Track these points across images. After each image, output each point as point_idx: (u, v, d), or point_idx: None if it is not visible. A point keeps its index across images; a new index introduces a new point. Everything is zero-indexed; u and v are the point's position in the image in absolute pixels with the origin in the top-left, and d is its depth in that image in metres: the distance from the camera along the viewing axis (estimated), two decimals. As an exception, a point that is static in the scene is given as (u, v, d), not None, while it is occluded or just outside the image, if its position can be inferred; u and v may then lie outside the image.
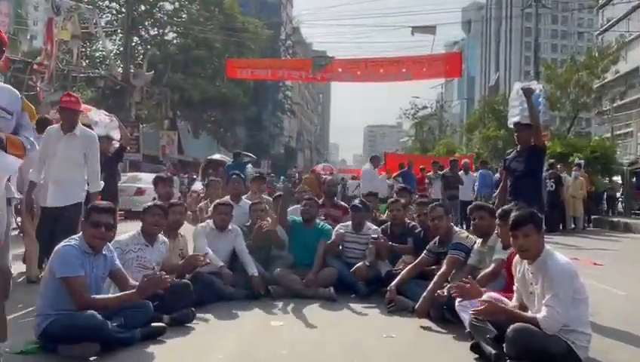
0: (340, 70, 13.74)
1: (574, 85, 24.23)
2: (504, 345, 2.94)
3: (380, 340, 3.70)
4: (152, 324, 3.54)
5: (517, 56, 74.79)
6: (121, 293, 3.42)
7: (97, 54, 27.37)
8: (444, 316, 3.99)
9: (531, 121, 4.79)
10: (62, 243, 3.31)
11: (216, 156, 16.98)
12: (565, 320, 2.89)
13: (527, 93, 4.77)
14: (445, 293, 3.67)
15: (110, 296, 3.37)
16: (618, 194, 16.11)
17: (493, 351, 3.07)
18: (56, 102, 15.23)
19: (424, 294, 4.07)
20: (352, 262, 5.23)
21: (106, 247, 3.51)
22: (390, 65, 13.59)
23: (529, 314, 3.02)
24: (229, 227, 5.13)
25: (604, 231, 12.47)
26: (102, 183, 4.84)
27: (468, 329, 3.37)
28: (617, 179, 16.39)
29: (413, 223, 5.47)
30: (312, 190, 8.76)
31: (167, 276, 3.49)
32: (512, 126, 5.21)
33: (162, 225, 4.29)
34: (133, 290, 3.37)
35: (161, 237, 4.30)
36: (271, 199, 6.53)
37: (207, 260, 4.51)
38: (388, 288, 4.50)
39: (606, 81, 27.13)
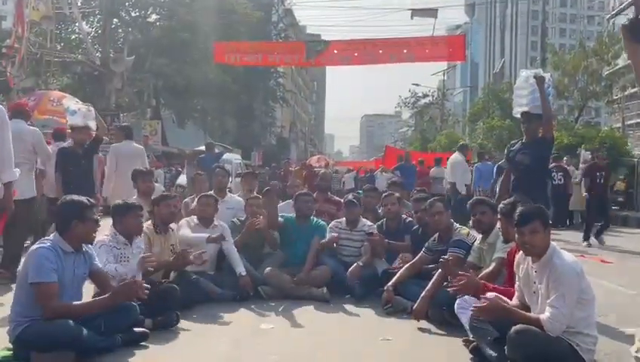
0: (335, 52, 13.62)
1: (583, 72, 24.32)
2: (505, 347, 2.96)
3: (376, 343, 3.72)
4: (135, 329, 3.54)
5: (523, 42, 74.86)
6: (93, 300, 3.42)
7: (73, 37, 27.05)
8: (443, 317, 4.02)
9: (543, 111, 4.80)
10: (35, 246, 3.29)
11: (204, 148, 16.90)
12: (570, 322, 2.91)
13: (540, 81, 4.77)
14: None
15: (80, 303, 3.35)
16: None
17: (494, 354, 3.10)
18: (28, 89, 15.13)
19: (422, 294, 4.09)
20: (346, 261, 5.25)
21: (86, 245, 3.52)
22: (390, 47, 13.50)
23: (532, 314, 3.04)
24: (215, 222, 5.12)
25: (613, 227, 12.54)
26: (17, 171, 4.09)
27: (468, 331, 3.40)
28: None
29: (410, 219, 5.48)
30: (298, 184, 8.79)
31: (143, 283, 3.45)
32: (517, 116, 5.21)
33: (142, 227, 4.26)
34: (106, 296, 3.37)
35: None
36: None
37: (205, 258, 4.50)
38: (385, 288, 4.52)
39: (617, 67, 27.21)
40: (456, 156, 10.61)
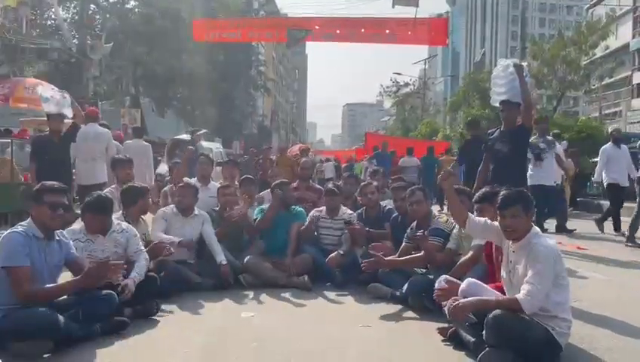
0: (317, 28, 13.43)
1: (562, 62, 24.61)
2: (483, 332, 3.01)
3: (356, 330, 3.75)
4: (114, 318, 3.51)
5: (503, 31, 75.43)
6: (65, 282, 3.36)
7: (49, 23, 26.42)
8: (422, 304, 4.07)
9: (523, 99, 4.84)
10: (9, 230, 3.24)
11: (184, 136, 16.70)
12: (546, 305, 2.97)
13: (519, 69, 4.80)
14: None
15: (53, 285, 3.30)
16: None
17: (472, 339, 3.14)
18: (3, 76, 14.75)
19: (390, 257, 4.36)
20: (327, 249, 5.26)
21: (61, 234, 3.47)
22: (373, 26, 13.40)
23: (508, 296, 3.08)
24: (195, 211, 5.09)
25: (589, 214, 12.81)
26: None
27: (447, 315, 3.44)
28: None
29: (389, 207, 5.51)
30: (285, 172, 8.78)
31: (119, 263, 3.44)
32: (496, 104, 5.25)
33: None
34: (78, 277, 3.33)
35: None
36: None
37: (172, 250, 4.47)
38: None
39: (595, 57, 27.62)
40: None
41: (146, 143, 8.65)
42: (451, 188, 3.64)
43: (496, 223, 3.30)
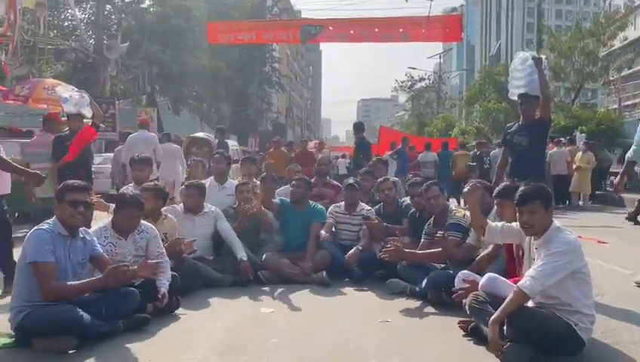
0: (331, 28, 13.45)
1: (579, 54, 24.18)
2: (504, 327, 2.98)
3: (376, 325, 3.74)
4: (136, 315, 3.55)
5: (519, 24, 74.39)
6: (87, 280, 3.38)
7: (66, 24, 26.75)
8: (441, 299, 4.05)
9: (542, 92, 4.78)
10: (35, 227, 3.30)
11: (200, 134, 16.80)
12: (562, 292, 2.94)
13: (538, 62, 4.74)
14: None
15: (76, 282, 3.33)
16: None
17: (493, 334, 3.11)
18: (22, 77, 14.98)
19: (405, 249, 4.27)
20: (345, 244, 5.26)
21: (85, 231, 3.52)
22: (386, 26, 13.38)
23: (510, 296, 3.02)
24: (205, 209, 5.10)
25: (608, 208, 12.61)
26: None
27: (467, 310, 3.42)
28: None
29: (407, 202, 5.49)
30: (278, 166, 8.80)
31: (127, 267, 3.41)
32: (514, 98, 5.18)
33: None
34: (98, 277, 3.37)
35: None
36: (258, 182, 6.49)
37: (195, 248, 4.51)
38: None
39: (613, 48, 27.09)
40: None
41: (176, 146, 9.06)
42: (476, 204, 3.65)
43: (514, 224, 3.28)
